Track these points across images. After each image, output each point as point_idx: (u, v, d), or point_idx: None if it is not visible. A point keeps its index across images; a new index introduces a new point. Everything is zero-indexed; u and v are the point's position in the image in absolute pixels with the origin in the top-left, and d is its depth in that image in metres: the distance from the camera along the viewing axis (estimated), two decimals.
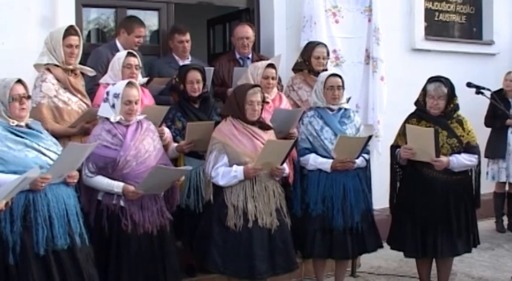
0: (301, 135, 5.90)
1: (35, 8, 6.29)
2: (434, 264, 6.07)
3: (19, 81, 4.46)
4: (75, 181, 4.57)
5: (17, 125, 4.41)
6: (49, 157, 4.40)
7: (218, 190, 5.32)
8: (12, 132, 4.36)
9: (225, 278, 5.52)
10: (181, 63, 6.77)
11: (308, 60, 6.79)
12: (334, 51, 7.55)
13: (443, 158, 5.57)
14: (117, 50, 6.42)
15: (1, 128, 4.34)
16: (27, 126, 4.51)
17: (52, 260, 4.26)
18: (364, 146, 5.72)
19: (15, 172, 4.01)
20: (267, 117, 5.84)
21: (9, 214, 4.17)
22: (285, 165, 5.45)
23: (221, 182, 5.25)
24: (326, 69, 6.60)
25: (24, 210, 4.23)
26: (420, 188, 5.71)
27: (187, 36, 6.95)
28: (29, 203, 4.25)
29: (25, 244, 4.19)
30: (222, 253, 5.20)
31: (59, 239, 4.31)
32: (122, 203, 4.89)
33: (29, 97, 4.52)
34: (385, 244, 6.07)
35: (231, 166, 5.26)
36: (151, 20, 7.75)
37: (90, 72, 5.81)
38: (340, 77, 5.93)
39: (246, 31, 7.19)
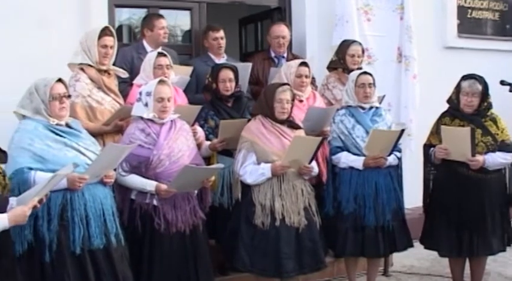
0: (333, 134, 5.89)
1: (69, 8, 6.35)
2: (467, 263, 6.03)
3: (59, 80, 4.50)
4: (112, 180, 4.59)
5: (57, 124, 4.44)
6: (87, 157, 4.43)
7: (246, 188, 5.33)
8: (52, 131, 4.40)
9: (255, 277, 5.53)
10: (217, 61, 6.79)
11: (343, 59, 6.78)
12: (366, 49, 7.48)
13: (479, 157, 5.52)
14: (144, 50, 6.50)
15: (41, 127, 4.38)
16: (67, 125, 4.54)
17: (88, 259, 4.30)
18: (396, 141, 5.69)
19: (53, 171, 4.02)
20: (300, 115, 5.85)
21: (47, 212, 4.22)
22: (314, 164, 5.43)
23: (249, 180, 5.27)
24: (361, 68, 6.57)
25: (62, 209, 4.27)
26: (455, 187, 5.68)
27: (222, 33, 6.97)
28: (66, 202, 4.28)
29: (61, 242, 4.24)
30: (250, 252, 5.23)
31: (95, 238, 4.34)
32: (155, 202, 4.91)
33: (69, 96, 4.56)
34: (417, 244, 6.04)
35: (259, 164, 5.28)
36: (183, 19, 7.81)
37: (123, 73, 5.85)
38: (371, 75, 5.92)
39: (282, 30, 7.19)
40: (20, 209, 3.71)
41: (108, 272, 4.38)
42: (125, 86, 6.02)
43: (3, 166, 3.93)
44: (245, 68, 6.53)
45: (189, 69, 6.54)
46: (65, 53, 5.58)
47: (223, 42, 6.99)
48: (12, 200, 3.84)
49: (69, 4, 6.36)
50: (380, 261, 6.38)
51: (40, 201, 3.84)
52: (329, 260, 5.83)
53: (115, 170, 4.71)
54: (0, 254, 3.68)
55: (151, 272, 4.89)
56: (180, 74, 6.15)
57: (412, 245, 5.99)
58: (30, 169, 4.21)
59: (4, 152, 3.87)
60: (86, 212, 4.34)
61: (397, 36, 8.01)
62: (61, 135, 4.42)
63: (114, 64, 5.83)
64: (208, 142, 5.74)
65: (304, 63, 6.26)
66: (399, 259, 7.01)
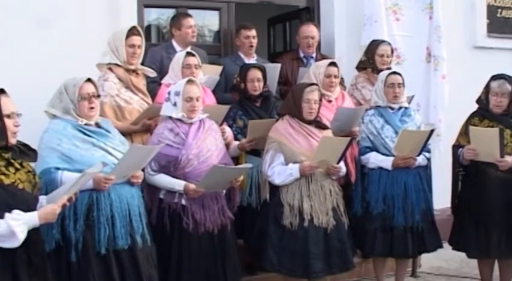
0: (362, 134, 5.87)
1: (99, 9, 6.40)
2: (496, 265, 5.98)
3: (89, 80, 4.52)
4: (140, 181, 4.59)
5: (85, 124, 4.45)
6: (115, 156, 4.42)
7: (274, 189, 5.34)
8: (80, 131, 4.41)
9: (282, 277, 5.53)
10: (246, 61, 6.80)
11: (372, 59, 6.78)
12: (395, 49, 7.45)
13: (507, 158, 5.47)
14: (173, 49, 6.51)
15: (70, 127, 4.40)
16: (97, 125, 4.56)
17: (113, 260, 4.30)
18: (426, 141, 5.66)
19: (80, 171, 4.02)
20: (329, 115, 5.85)
21: (73, 212, 4.24)
22: (342, 164, 5.42)
23: (277, 180, 5.27)
24: (390, 68, 6.56)
25: (87, 209, 4.28)
26: (483, 188, 5.63)
27: (254, 32, 6.98)
28: (92, 202, 4.29)
29: (87, 242, 4.25)
30: (278, 252, 5.23)
31: (120, 239, 4.34)
32: (183, 201, 4.93)
33: (98, 96, 4.57)
34: (445, 245, 6.00)
35: (287, 164, 5.27)
36: (211, 19, 7.82)
37: (151, 73, 5.87)
38: (400, 75, 5.90)
39: (311, 30, 7.20)
40: (50, 207, 3.73)
41: (132, 272, 4.38)
42: (154, 86, 6.04)
43: (33, 164, 3.96)
44: (274, 69, 6.53)
45: (218, 69, 6.56)
46: (95, 53, 5.62)
47: (254, 42, 6.99)
48: (42, 199, 3.87)
49: (98, 5, 6.40)
50: (408, 262, 6.37)
51: (69, 199, 3.85)
52: (357, 260, 5.82)
53: (143, 170, 4.72)
54: (31, 252, 3.69)
55: (179, 271, 4.91)
56: (209, 73, 6.17)
57: (441, 247, 5.95)
58: (58, 168, 4.24)
59: (34, 151, 3.90)
60: (112, 213, 4.34)
61: (426, 36, 8.00)
62: (89, 135, 4.43)
63: (143, 64, 5.86)
64: (237, 142, 5.74)
65: (333, 63, 6.25)
66: (427, 260, 6.98)
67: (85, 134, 4.42)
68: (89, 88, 4.48)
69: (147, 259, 4.53)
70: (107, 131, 4.59)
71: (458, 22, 8.51)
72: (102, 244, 4.27)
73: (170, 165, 4.93)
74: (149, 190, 4.93)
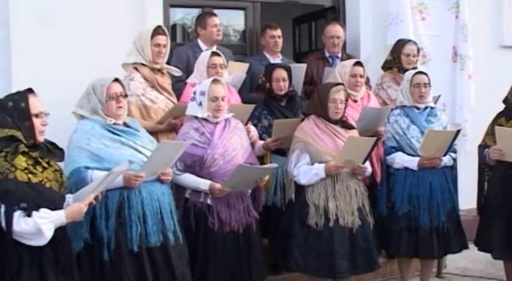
0: (387, 134, 5.85)
1: (125, 9, 6.42)
2: None
3: (116, 80, 4.55)
4: (169, 178, 4.60)
5: (114, 124, 4.48)
6: (144, 155, 4.44)
7: (300, 188, 5.33)
8: (109, 131, 4.43)
9: (307, 277, 5.53)
10: (272, 61, 6.81)
11: (398, 58, 6.77)
12: (421, 49, 7.41)
13: None
14: (199, 49, 6.51)
15: (98, 126, 4.42)
16: (125, 124, 4.59)
17: (145, 257, 4.32)
18: (452, 141, 5.63)
19: (110, 170, 4.01)
20: (354, 115, 5.84)
21: (105, 210, 4.26)
22: (367, 164, 5.41)
23: (303, 180, 5.27)
24: (416, 68, 6.54)
25: (119, 207, 4.30)
26: (510, 189, 5.58)
27: (279, 32, 6.98)
28: (123, 200, 4.31)
29: (119, 240, 4.27)
30: (303, 252, 5.23)
31: (152, 236, 4.36)
32: (208, 201, 4.94)
33: (126, 96, 4.60)
34: (471, 245, 5.97)
35: (312, 164, 5.26)
36: (237, 19, 7.83)
37: (177, 72, 5.88)
38: (426, 74, 5.87)
39: (337, 30, 7.18)
40: (76, 205, 3.76)
41: (165, 270, 4.40)
42: (181, 85, 6.06)
43: (60, 164, 3.99)
44: (300, 69, 6.53)
45: (245, 66, 6.58)
46: (121, 53, 5.65)
47: (280, 41, 6.99)
48: (69, 197, 3.90)
49: (124, 5, 6.43)
50: (433, 262, 6.34)
51: (96, 198, 3.88)
52: (382, 260, 5.80)
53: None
54: (58, 250, 3.72)
55: (205, 270, 4.93)
56: (236, 71, 6.19)
57: (466, 247, 5.92)
58: (88, 168, 4.26)
59: (61, 150, 3.93)
60: (143, 210, 4.35)
61: (452, 36, 7.96)
62: (118, 134, 4.45)
63: (169, 63, 5.88)
64: (262, 141, 5.75)
65: (358, 63, 6.24)
66: (453, 261, 6.95)
67: (114, 133, 4.45)
68: (117, 88, 4.52)
69: (179, 256, 4.54)
70: (136, 130, 4.62)
71: (484, 21, 8.44)
72: (134, 241, 4.29)
73: (196, 164, 4.95)
74: (175, 189, 4.94)
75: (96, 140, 4.36)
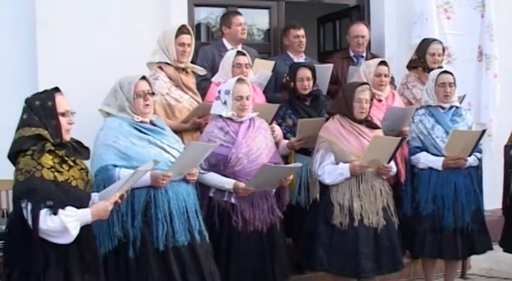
0: (412, 134, 5.83)
1: (150, 8, 6.45)
2: None
3: (143, 78, 4.56)
4: (195, 178, 4.62)
5: (141, 122, 4.49)
6: (171, 154, 4.46)
7: (324, 188, 5.32)
8: (136, 129, 4.44)
9: (331, 277, 5.52)
10: (295, 60, 6.80)
11: (423, 58, 6.74)
12: (446, 48, 7.37)
13: None
14: (224, 48, 6.53)
15: (126, 124, 4.44)
16: (152, 122, 4.60)
17: (171, 256, 4.32)
18: (477, 142, 5.60)
19: (137, 168, 4.03)
20: (379, 115, 5.82)
21: (131, 208, 4.28)
22: (392, 163, 5.38)
23: (327, 180, 5.26)
24: (441, 67, 6.51)
25: (145, 206, 4.31)
26: None
27: (302, 31, 6.99)
28: (150, 199, 4.32)
29: (145, 239, 4.28)
30: (328, 251, 5.23)
31: (180, 235, 4.37)
32: (232, 200, 4.95)
33: (153, 94, 4.61)
34: (496, 247, 5.94)
35: (337, 164, 5.26)
36: (261, 18, 7.83)
37: (201, 71, 5.89)
38: (451, 74, 5.84)
39: (362, 30, 7.18)
40: (102, 204, 3.78)
41: (193, 268, 4.40)
42: (206, 84, 6.08)
43: (86, 162, 4.01)
44: (326, 70, 6.52)
45: (271, 64, 6.59)
46: (147, 52, 5.66)
47: (304, 41, 7.00)
48: (94, 196, 3.92)
49: (150, 4, 6.46)
50: (458, 263, 6.31)
51: (121, 197, 3.89)
52: (406, 261, 5.76)
53: None
54: (83, 248, 3.74)
55: (228, 269, 4.92)
56: (262, 69, 6.19)
57: (491, 248, 5.89)
58: (115, 166, 4.27)
59: (87, 149, 3.95)
60: (170, 209, 4.36)
61: (478, 35, 7.90)
62: (145, 133, 4.46)
63: (195, 63, 5.89)
64: (286, 141, 5.74)
65: (383, 62, 6.22)
66: (477, 262, 6.91)
67: (141, 131, 4.46)
68: (144, 86, 4.53)
69: (206, 254, 4.55)
70: (162, 128, 4.63)
71: (510, 20, 8.37)
72: (160, 240, 4.30)
73: (220, 163, 4.96)
74: (200, 188, 4.93)
75: (124, 138, 4.37)
